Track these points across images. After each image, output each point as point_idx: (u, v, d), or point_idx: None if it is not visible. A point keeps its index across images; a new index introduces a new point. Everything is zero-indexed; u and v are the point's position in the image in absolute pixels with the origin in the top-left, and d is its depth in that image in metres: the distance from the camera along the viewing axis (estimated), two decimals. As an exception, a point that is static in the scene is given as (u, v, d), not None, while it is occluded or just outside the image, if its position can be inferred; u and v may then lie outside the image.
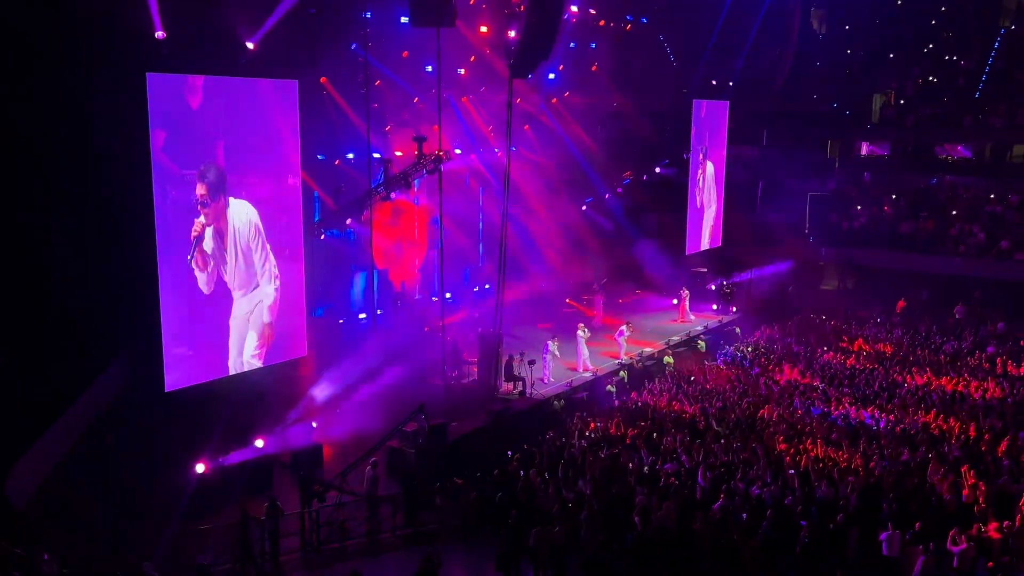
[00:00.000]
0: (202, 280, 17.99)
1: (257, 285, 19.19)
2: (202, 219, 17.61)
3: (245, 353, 19.14)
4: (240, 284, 18.83)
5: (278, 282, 19.60)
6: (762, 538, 13.86)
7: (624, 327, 26.10)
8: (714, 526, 14.20)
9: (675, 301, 31.18)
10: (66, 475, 16.29)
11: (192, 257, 17.61)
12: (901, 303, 31.61)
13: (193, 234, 17.53)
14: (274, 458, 18.30)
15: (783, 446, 17.91)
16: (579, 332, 24.57)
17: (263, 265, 19.28)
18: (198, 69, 17.38)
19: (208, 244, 17.87)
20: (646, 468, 17.08)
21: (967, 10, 38.88)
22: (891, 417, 19.91)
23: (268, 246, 19.29)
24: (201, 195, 17.44)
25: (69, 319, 16.25)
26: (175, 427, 17.07)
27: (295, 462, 18.34)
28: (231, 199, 18.19)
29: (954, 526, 13.70)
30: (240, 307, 18.85)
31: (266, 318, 19.45)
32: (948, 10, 39.08)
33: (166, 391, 17.44)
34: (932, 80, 40.07)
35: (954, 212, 35.38)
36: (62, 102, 15.71)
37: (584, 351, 24.51)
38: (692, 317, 30.51)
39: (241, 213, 18.51)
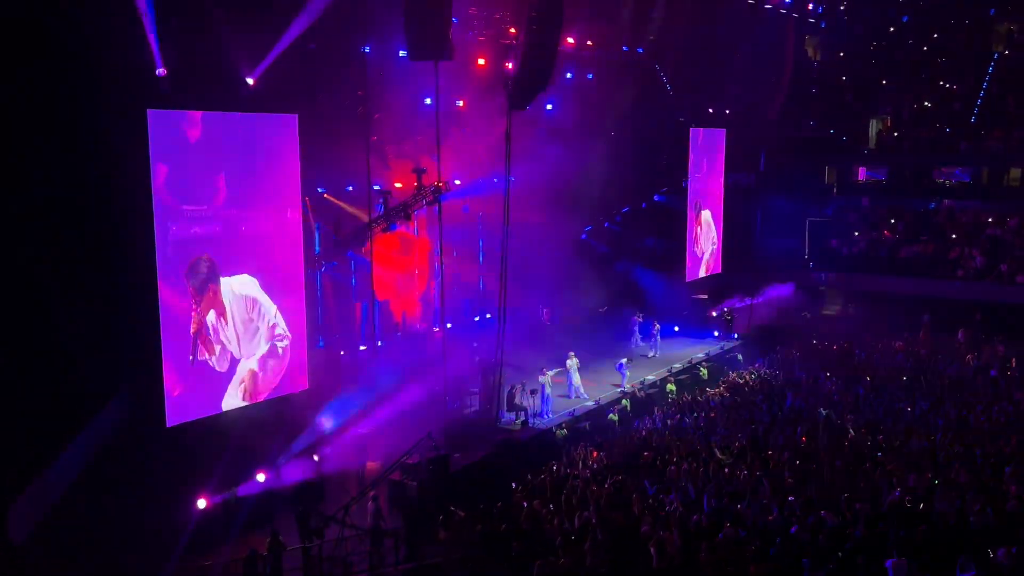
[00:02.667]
0: (213, 361, 18.31)
1: (262, 343, 19.51)
2: (196, 316, 17.85)
3: (247, 388, 19.10)
4: (248, 352, 19.16)
5: (287, 341, 19.84)
6: (769, 568, 13.73)
7: (624, 360, 26.12)
8: (719, 555, 14.07)
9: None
10: (66, 511, 16.19)
11: (194, 358, 17.88)
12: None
13: (192, 331, 17.79)
14: (276, 492, 18.19)
15: (788, 473, 17.78)
16: (568, 362, 24.58)
17: (268, 329, 19.55)
18: (199, 105, 17.55)
19: (209, 331, 18.18)
20: (650, 498, 16.96)
21: (960, 36, 39.27)
22: (896, 443, 19.80)
23: (273, 309, 19.52)
24: (193, 291, 17.70)
25: (69, 354, 16.24)
26: (176, 462, 17.01)
27: (297, 496, 18.22)
28: (223, 279, 18.36)
29: (962, 552, 13.58)
30: (232, 336, 18.97)
31: (270, 363, 19.60)
32: (941, 36, 39.47)
33: (167, 426, 17.40)
34: (927, 105, 40.38)
35: (953, 236, 35.46)
36: (64, 138, 15.82)
37: (575, 379, 24.48)
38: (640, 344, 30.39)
39: (236, 289, 18.73)
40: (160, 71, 16.79)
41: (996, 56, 37.96)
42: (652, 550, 14.29)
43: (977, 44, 38.97)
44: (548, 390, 23.34)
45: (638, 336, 30.34)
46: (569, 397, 24.37)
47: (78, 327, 16.26)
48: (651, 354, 29.62)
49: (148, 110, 16.47)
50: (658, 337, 30.25)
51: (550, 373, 23.51)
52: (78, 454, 17.12)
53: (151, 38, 16.48)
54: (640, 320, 30.61)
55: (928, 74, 40.51)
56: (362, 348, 25.03)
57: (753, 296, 33.66)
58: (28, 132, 15.36)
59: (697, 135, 34.00)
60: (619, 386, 25.56)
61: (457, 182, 26.63)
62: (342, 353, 24.42)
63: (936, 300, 32.72)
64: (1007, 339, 28.77)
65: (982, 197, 37.57)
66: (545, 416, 23.02)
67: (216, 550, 16.04)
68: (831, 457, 18.71)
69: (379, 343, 24.77)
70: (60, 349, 16.16)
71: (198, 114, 17.55)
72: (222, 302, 18.40)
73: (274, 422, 19.67)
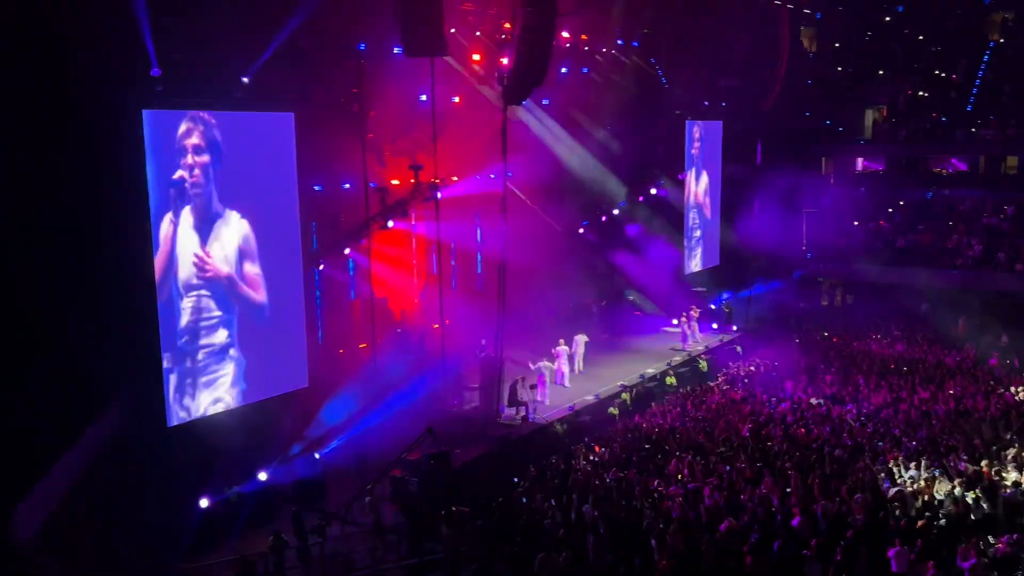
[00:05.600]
0: (214, 360, 18.36)
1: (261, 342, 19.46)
2: (195, 315, 17.94)
3: (246, 386, 19.11)
4: (248, 350, 19.06)
5: (287, 339, 19.85)
6: (771, 559, 13.78)
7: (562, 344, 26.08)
8: (721, 548, 14.12)
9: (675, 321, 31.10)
10: (69, 513, 16.18)
11: (195, 356, 17.96)
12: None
13: (191, 330, 17.87)
14: (278, 490, 18.22)
15: (788, 464, 17.82)
16: (560, 348, 24.89)
17: (268, 328, 19.50)
18: (194, 105, 17.50)
19: (210, 330, 18.20)
20: (652, 492, 17.00)
21: (954, 25, 39.26)
22: (896, 432, 19.85)
23: (273, 308, 19.47)
24: (192, 290, 17.78)
25: (69, 355, 16.23)
26: (178, 462, 17.00)
27: (299, 494, 18.24)
28: (221, 278, 18.37)
29: (963, 540, 13.63)
30: (231, 334, 18.95)
31: (270, 361, 19.56)
32: (936, 26, 39.47)
33: (169, 426, 17.40)
34: (923, 95, 40.40)
35: (951, 224, 35.51)
36: (59, 141, 15.79)
37: (564, 368, 24.84)
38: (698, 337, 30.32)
39: (235, 288, 18.72)
40: (155, 71, 16.75)
41: (991, 44, 37.95)
42: (653, 543, 14.33)
43: (971, 33, 38.95)
44: (548, 376, 23.49)
45: (696, 330, 30.15)
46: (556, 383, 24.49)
47: (78, 329, 16.24)
48: (688, 349, 29.47)
49: (143, 111, 16.43)
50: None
51: (543, 361, 23.66)
52: (81, 455, 17.11)
53: (146, 38, 16.43)
54: (696, 315, 30.30)
55: (923, 63, 40.53)
56: (362, 346, 25.03)
57: (752, 288, 33.66)
58: (23, 135, 15.32)
59: (693, 127, 33.99)
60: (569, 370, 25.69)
61: (454, 178, 26.61)
62: (341, 351, 24.42)
63: (934, 289, 32.75)
64: (1006, 327, 28.80)
65: (979, 186, 37.61)
66: (544, 402, 23.06)
67: (219, 549, 16.07)
68: (831, 447, 18.77)
69: (379, 341, 24.77)
70: (60, 351, 16.14)
71: (194, 113, 17.52)
72: (222, 300, 18.37)
73: (275, 420, 19.67)
